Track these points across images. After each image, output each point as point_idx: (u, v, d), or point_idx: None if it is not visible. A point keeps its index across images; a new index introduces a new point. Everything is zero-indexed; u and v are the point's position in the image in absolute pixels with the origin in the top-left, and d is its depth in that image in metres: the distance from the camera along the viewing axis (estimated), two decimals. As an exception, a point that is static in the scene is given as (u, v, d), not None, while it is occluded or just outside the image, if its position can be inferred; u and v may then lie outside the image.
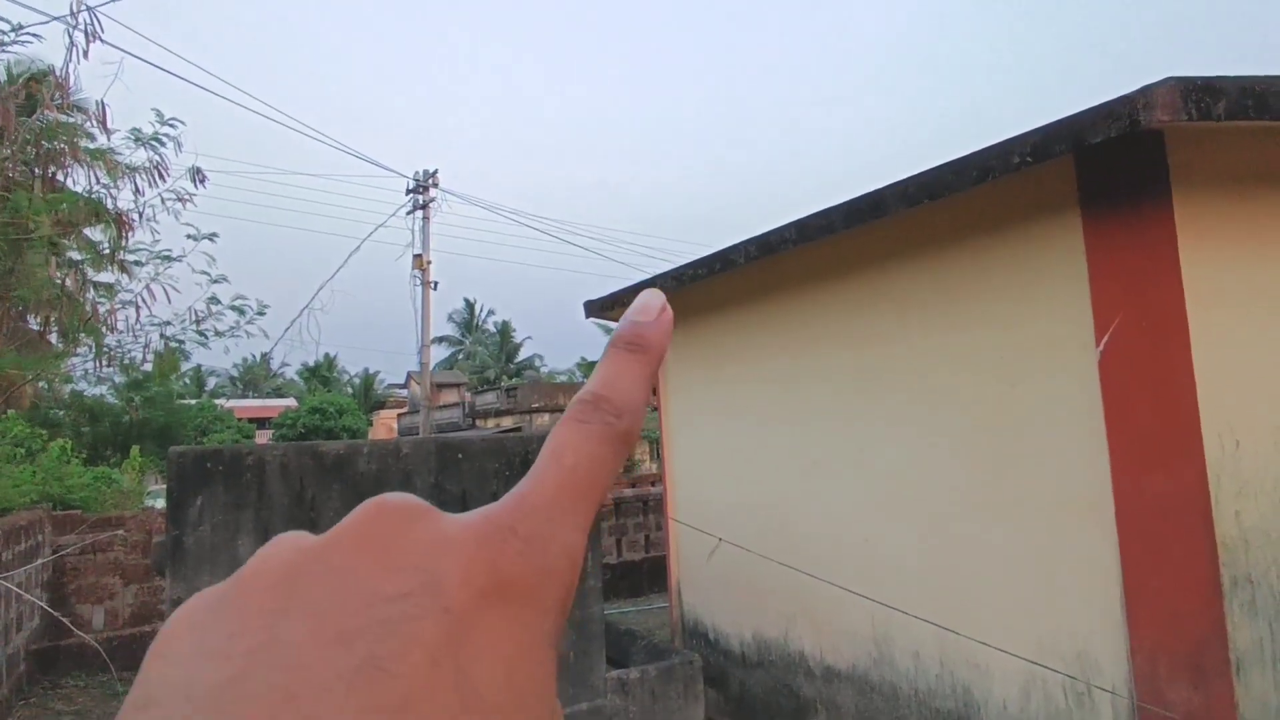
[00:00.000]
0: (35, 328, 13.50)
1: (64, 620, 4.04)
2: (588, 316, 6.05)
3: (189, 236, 5.19)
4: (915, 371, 3.76)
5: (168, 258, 5.18)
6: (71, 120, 6.02)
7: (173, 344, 5.31)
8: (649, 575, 9.54)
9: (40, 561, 5.94)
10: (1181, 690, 2.62)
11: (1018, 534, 3.26)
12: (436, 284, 12.29)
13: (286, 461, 2.86)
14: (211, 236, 5.26)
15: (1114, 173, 2.80)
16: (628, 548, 9.78)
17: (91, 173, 6.09)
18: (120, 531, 6.93)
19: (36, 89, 6.73)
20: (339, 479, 2.93)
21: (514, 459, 3.29)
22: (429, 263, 12.24)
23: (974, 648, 3.45)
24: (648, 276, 5.55)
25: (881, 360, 3.94)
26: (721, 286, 4.96)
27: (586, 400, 0.28)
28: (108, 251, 8.39)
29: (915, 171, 3.37)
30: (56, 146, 5.86)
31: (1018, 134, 2.91)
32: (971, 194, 3.23)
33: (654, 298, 0.31)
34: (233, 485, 2.75)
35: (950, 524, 3.57)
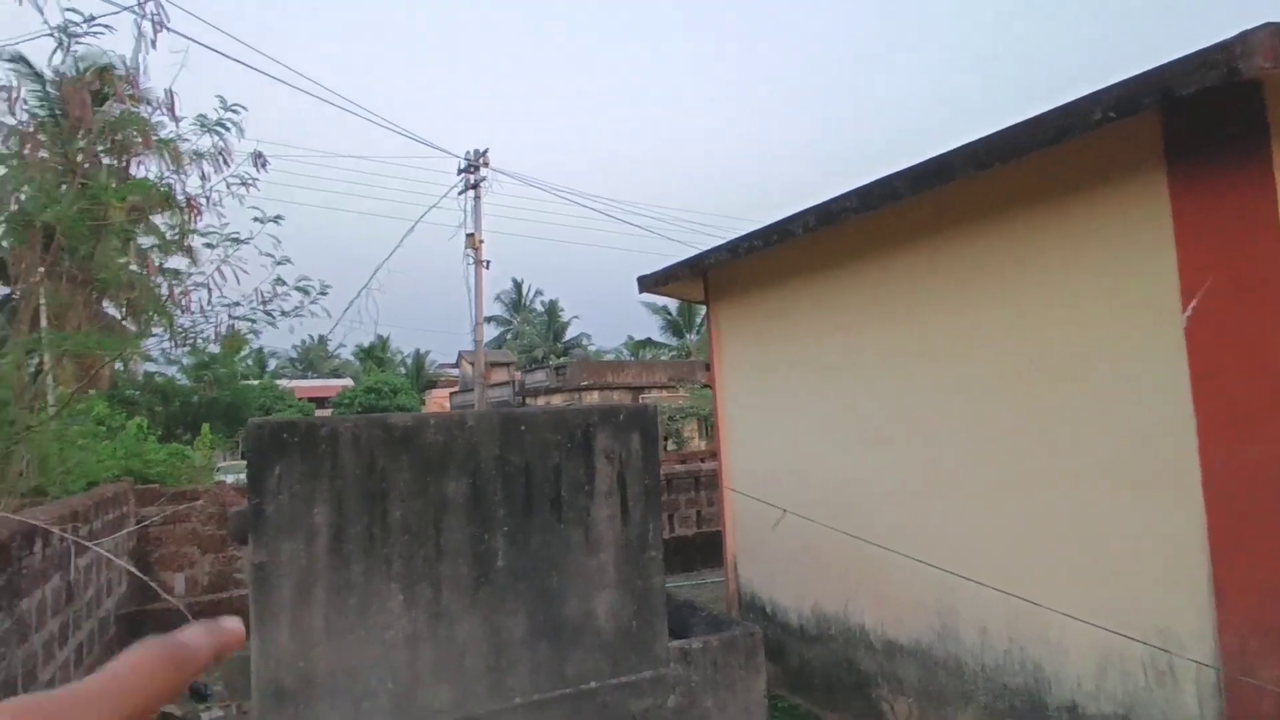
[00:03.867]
0: (112, 312, 14.16)
1: (153, 584, 4.26)
2: (641, 291, 6.04)
3: (255, 219, 5.34)
4: (983, 341, 3.65)
5: (236, 240, 5.35)
6: (139, 113, 6.22)
7: (242, 323, 5.50)
8: (702, 550, 9.58)
9: (126, 531, 6.27)
10: (1275, 667, 2.51)
11: (1093, 506, 3.16)
12: (489, 263, 12.48)
13: (358, 433, 2.93)
14: (276, 219, 5.41)
15: (1205, 127, 2.65)
16: (680, 523, 9.83)
17: (162, 161, 6.31)
18: (199, 502, 7.27)
19: (109, 79, 6.99)
20: (406, 450, 3.00)
21: (575, 432, 3.31)
22: (481, 242, 12.39)
23: (1045, 623, 3.37)
24: (700, 251, 5.51)
25: (946, 330, 3.84)
26: (779, 258, 4.89)
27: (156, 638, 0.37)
28: (176, 237, 8.72)
29: (985, 133, 3.25)
30: (129, 136, 6.08)
31: (1098, 89, 2.77)
32: (1045, 155, 3.10)
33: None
34: (308, 455, 2.84)
35: (1021, 496, 3.48)
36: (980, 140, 3.19)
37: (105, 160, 7.09)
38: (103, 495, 5.73)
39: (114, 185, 5.47)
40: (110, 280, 6.00)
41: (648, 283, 5.87)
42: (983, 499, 3.67)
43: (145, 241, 9.86)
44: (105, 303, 14.20)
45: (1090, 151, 3.07)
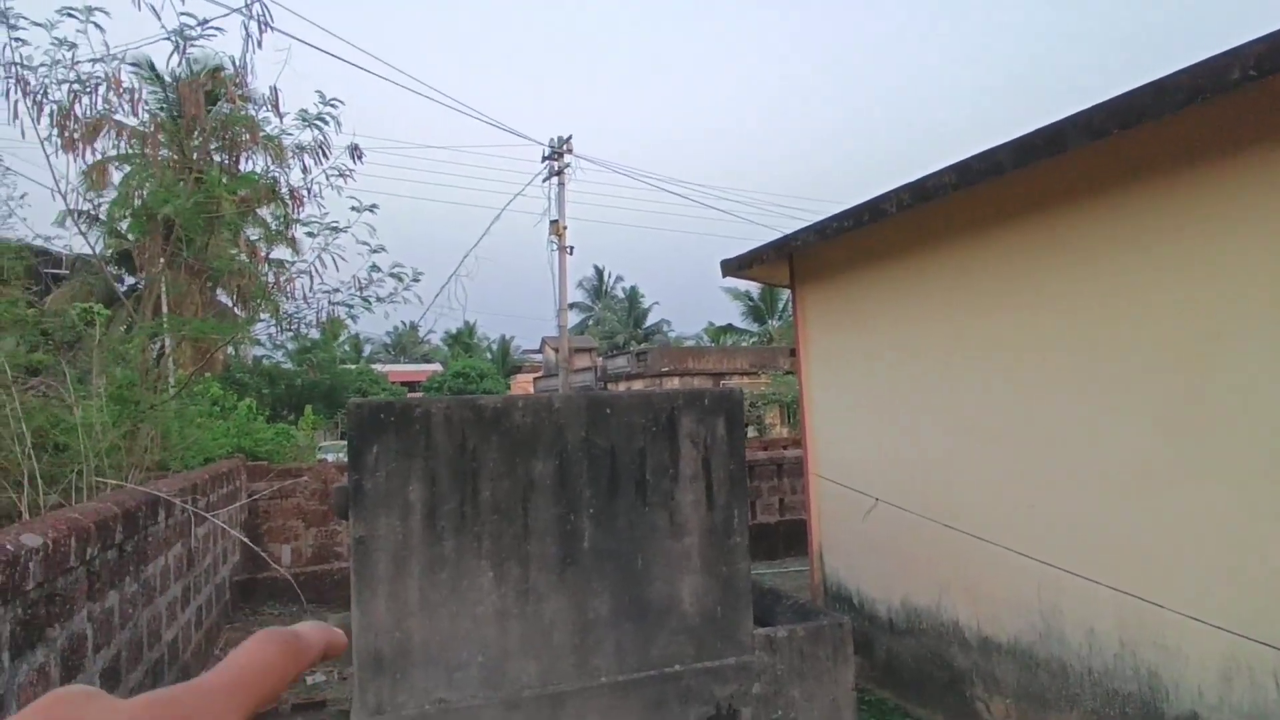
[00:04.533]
0: (224, 300, 15.12)
1: (263, 554, 4.55)
2: (724, 275, 5.96)
3: (352, 209, 5.56)
4: (1094, 325, 3.41)
5: (335, 229, 5.59)
6: (246, 110, 6.58)
7: (342, 309, 5.76)
8: (784, 538, 9.45)
9: (239, 504, 6.70)
10: None
11: (1221, 501, 2.91)
12: (572, 249, 12.61)
13: (450, 413, 3.01)
14: (372, 208, 5.62)
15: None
16: (762, 510, 9.72)
17: (267, 156, 6.65)
18: (304, 479, 7.69)
19: (219, 80, 7.43)
20: (496, 430, 3.06)
21: (660, 415, 3.30)
22: (565, 228, 12.54)
23: (1161, 626, 3.14)
24: (784, 234, 5.37)
25: (1052, 314, 3.61)
26: (869, 239, 4.72)
27: (274, 630, 0.39)
28: (279, 230, 9.20)
29: (1098, 101, 3.01)
30: (238, 133, 6.43)
31: (1235, 45, 2.51)
32: (1168, 122, 2.85)
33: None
34: (403, 434, 2.94)
35: (1137, 490, 3.24)
36: (1097, 107, 2.96)
37: (216, 156, 7.56)
38: (218, 470, 6.14)
39: (225, 180, 5.81)
40: (223, 269, 6.39)
41: (731, 266, 5.79)
42: (1094, 493, 3.44)
43: (253, 234, 10.49)
44: (218, 291, 15.20)
45: (1225, 115, 2.80)
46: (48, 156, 5.33)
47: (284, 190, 6.52)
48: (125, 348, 5.57)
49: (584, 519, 3.15)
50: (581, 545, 3.14)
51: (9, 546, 2.35)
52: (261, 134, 6.36)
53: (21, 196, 5.77)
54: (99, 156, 6.53)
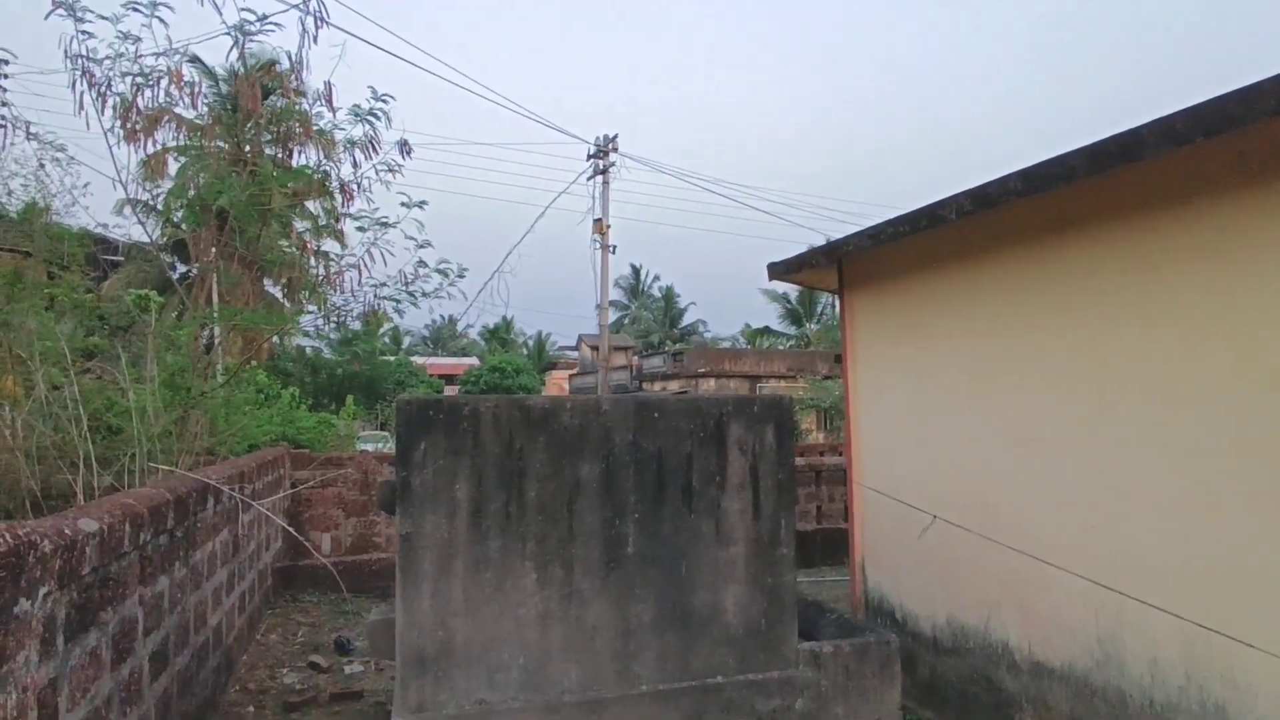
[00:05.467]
0: (273, 292, 15.44)
1: (305, 542, 4.60)
2: (771, 279, 5.87)
3: (402, 204, 5.60)
4: (1172, 341, 3.25)
5: (385, 223, 5.64)
6: (300, 105, 6.68)
7: (388, 303, 5.81)
8: (822, 547, 9.31)
9: (284, 493, 6.82)
10: None
11: (1304, 535, 2.75)
12: (615, 248, 12.60)
13: (498, 413, 3.00)
14: (421, 204, 5.66)
15: None
16: (799, 518, 9.59)
17: (319, 150, 6.75)
18: (347, 469, 7.79)
19: (273, 74, 7.55)
20: (544, 431, 3.03)
21: (708, 421, 3.24)
22: (608, 227, 12.53)
23: (1231, 662, 2.98)
24: (834, 239, 5.26)
25: (1124, 330, 3.46)
26: (923, 245, 4.59)
27: None
28: (329, 222, 9.34)
29: (1178, 108, 2.87)
30: (291, 127, 6.53)
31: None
32: (1259, 127, 2.69)
33: None
34: (451, 432, 2.93)
35: (1207, 516, 3.08)
36: (1179, 114, 2.82)
37: (269, 150, 7.70)
38: (264, 458, 6.24)
39: (277, 173, 5.90)
40: (274, 261, 6.51)
41: (778, 270, 5.69)
42: (1160, 516, 3.29)
43: (301, 226, 10.68)
44: (267, 282, 15.54)
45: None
46: (110, 148, 5.46)
47: (334, 185, 6.60)
48: (177, 334, 5.68)
49: (629, 523, 3.11)
50: (626, 550, 3.09)
51: (67, 531, 2.38)
52: (315, 128, 6.46)
53: (85, 185, 5.93)
54: (158, 148, 6.67)
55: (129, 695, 2.99)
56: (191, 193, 9.12)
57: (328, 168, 6.32)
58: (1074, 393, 3.71)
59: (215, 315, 6.57)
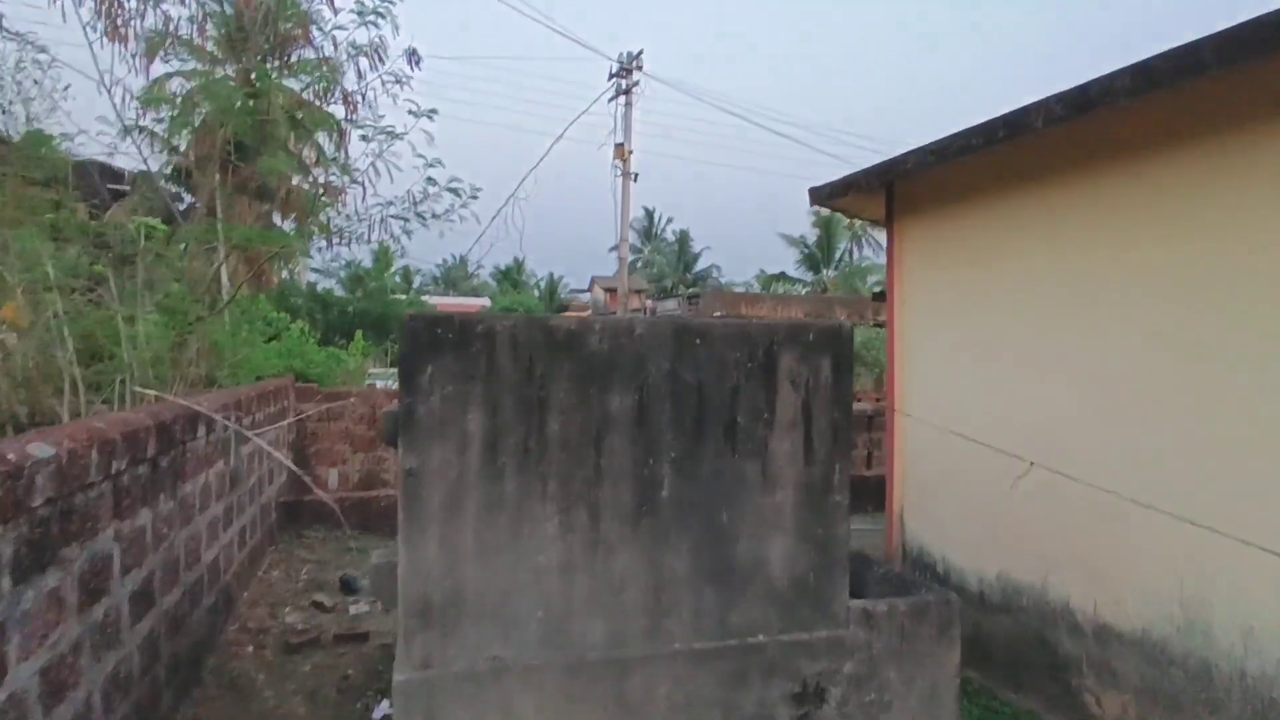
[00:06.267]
0: (278, 224, 14.97)
1: (305, 478, 4.28)
2: (812, 204, 5.36)
3: (410, 112, 5.11)
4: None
5: (391, 133, 5.14)
6: (297, 3, 6.10)
7: (398, 221, 5.36)
8: (856, 495, 8.97)
9: (286, 423, 6.51)
10: None
11: None
12: (637, 175, 11.90)
13: (516, 334, 2.58)
14: (430, 113, 5.15)
15: None
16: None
17: (320, 55, 6.20)
18: (352, 400, 7.47)
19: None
20: (569, 357, 2.62)
21: (756, 350, 2.82)
22: (630, 153, 11.81)
23: (1350, 635, 2.60)
24: (886, 159, 4.72)
25: (1247, 253, 2.98)
26: (993, 163, 4.07)
27: None
28: (334, 156, 8.80)
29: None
30: (288, 30, 5.98)
31: None
32: None
33: None
34: (462, 355, 2.52)
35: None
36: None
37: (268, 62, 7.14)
38: (265, 389, 5.90)
39: (275, 76, 5.38)
40: (273, 169, 6.02)
41: (821, 194, 5.19)
42: (1268, 472, 2.87)
43: (302, 149, 10.13)
44: (273, 214, 15.07)
45: None
46: (90, 44, 4.96)
47: (336, 95, 6.07)
48: (170, 255, 5.28)
49: (664, 464, 2.72)
50: (660, 494, 2.72)
51: (11, 456, 2.02)
52: (313, 26, 5.90)
53: (65, 88, 5.44)
54: (143, 47, 6.14)
55: (104, 639, 2.68)
56: (197, 116, 8.57)
57: (326, 70, 5.77)
58: (1171, 327, 3.25)
59: (214, 232, 6.14)
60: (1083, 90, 3.21)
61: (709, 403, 2.77)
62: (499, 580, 2.56)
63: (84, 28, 4.92)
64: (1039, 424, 3.92)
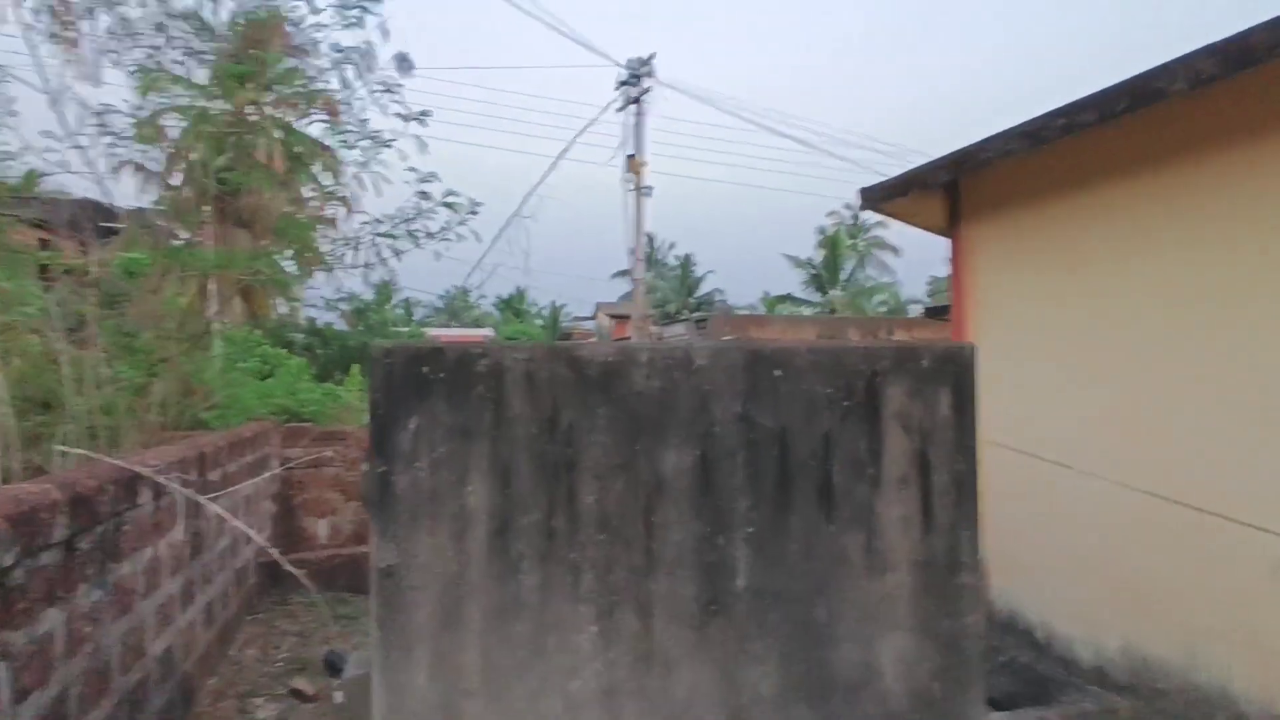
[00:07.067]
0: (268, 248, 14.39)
1: (267, 547, 3.57)
2: (863, 207, 4.71)
3: (399, 115, 4.46)
4: None
5: (378, 139, 4.50)
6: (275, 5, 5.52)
7: (386, 240, 4.70)
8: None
9: (266, 475, 5.79)
10: None
11: None
12: (651, 189, 11.21)
13: (533, 370, 1.87)
14: (422, 116, 4.50)
15: None
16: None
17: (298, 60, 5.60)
18: (329, 453, 6.75)
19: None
20: (606, 399, 1.91)
21: (855, 383, 2.10)
22: (643, 164, 11.12)
23: None
24: (954, 150, 4.04)
25: None
26: (1101, 145, 3.38)
27: None
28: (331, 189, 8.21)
29: None
30: (260, 30, 5.38)
31: None
32: None
33: None
34: (459, 401, 1.81)
35: None
36: None
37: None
38: (240, 435, 5.20)
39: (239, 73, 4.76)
40: (252, 180, 5.40)
41: (874, 196, 4.51)
42: None
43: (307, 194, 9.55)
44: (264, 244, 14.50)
45: None
46: (31, 46, 4.33)
47: (320, 105, 5.45)
48: (129, 284, 4.62)
49: (738, 543, 1.99)
50: (734, 583, 1.98)
51: None
52: (287, 23, 5.30)
53: (11, 101, 4.81)
54: (84, 48, 5.57)
55: (-29, 803, 1.94)
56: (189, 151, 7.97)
57: (306, 69, 5.15)
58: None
59: (181, 256, 5.48)
60: (1244, 38, 2.52)
61: (795, 456, 2.05)
62: (518, 717, 1.82)
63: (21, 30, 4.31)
64: (1178, 456, 3.18)
